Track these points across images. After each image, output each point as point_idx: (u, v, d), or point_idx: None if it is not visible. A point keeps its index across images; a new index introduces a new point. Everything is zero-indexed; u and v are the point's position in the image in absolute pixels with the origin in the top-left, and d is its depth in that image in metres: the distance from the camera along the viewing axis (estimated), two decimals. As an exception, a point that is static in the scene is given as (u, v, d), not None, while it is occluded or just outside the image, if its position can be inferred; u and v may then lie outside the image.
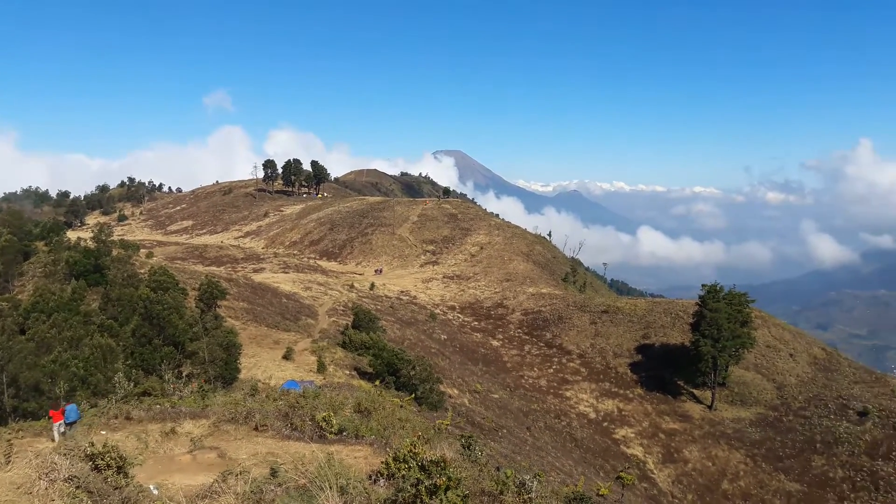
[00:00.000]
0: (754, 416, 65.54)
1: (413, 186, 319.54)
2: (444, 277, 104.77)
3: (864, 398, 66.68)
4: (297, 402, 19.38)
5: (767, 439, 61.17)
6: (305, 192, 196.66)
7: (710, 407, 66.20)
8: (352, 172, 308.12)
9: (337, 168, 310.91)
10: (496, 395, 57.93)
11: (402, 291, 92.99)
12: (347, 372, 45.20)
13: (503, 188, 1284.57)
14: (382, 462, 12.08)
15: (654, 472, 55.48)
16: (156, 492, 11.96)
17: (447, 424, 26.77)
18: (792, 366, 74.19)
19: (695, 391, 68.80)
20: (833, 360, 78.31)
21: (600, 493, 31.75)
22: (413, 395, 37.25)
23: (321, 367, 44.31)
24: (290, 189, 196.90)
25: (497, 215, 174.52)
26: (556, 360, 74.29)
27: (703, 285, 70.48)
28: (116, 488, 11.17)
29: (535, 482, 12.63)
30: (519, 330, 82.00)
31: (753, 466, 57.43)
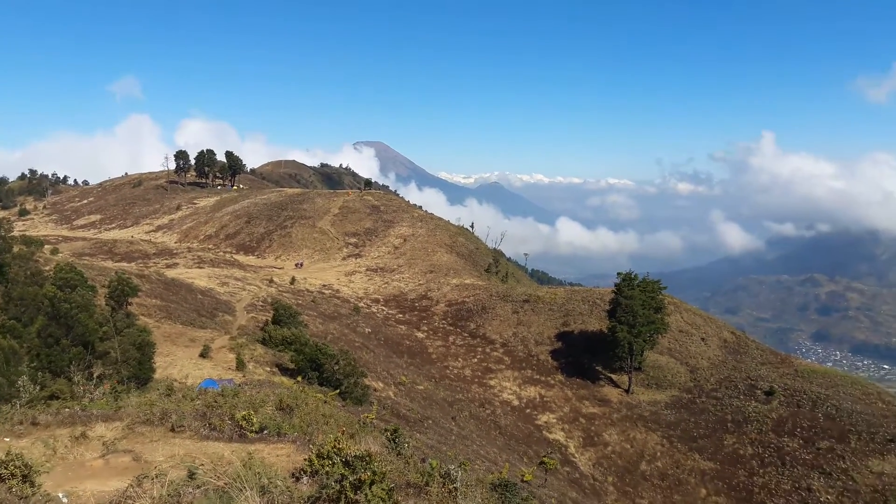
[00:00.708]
0: (669, 398, 68.23)
1: (333, 178, 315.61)
2: (367, 270, 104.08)
3: (770, 378, 70.50)
4: (216, 401, 18.78)
5: (682, 420, 63.80)
6: (220, 184, 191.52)
7: (627, 391, 68.45)
8: (269, 163, 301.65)
9: (253, 159, 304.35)
10: (422, 387, 58.07)
11: (324, 285, 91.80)
12: (268, 369, 44.24)
13: (425, 180, 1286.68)
14: (305, 459, 11.83)
15: (576, 455, 56.97)
16: (65, 500, 11.31)
17: (372, 418, 26.59)
18: (704, 349, 77.60)
19: (613, 376, 70.98)
20: (742, 343, 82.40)
21: (524, 478, 32.34)
22: (337, 390, 36.81)
23: (241, 365, 43.20)
24: (204, 181, 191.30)
25: (420, 207, 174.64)
26: (480, 349, 75.10)
27: (618, 273, 72.73)
28: (22, 498, 10.50)
29: (460, 471, 12.65)
30: (443, 321, 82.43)
31: (670, 447, 59.78)
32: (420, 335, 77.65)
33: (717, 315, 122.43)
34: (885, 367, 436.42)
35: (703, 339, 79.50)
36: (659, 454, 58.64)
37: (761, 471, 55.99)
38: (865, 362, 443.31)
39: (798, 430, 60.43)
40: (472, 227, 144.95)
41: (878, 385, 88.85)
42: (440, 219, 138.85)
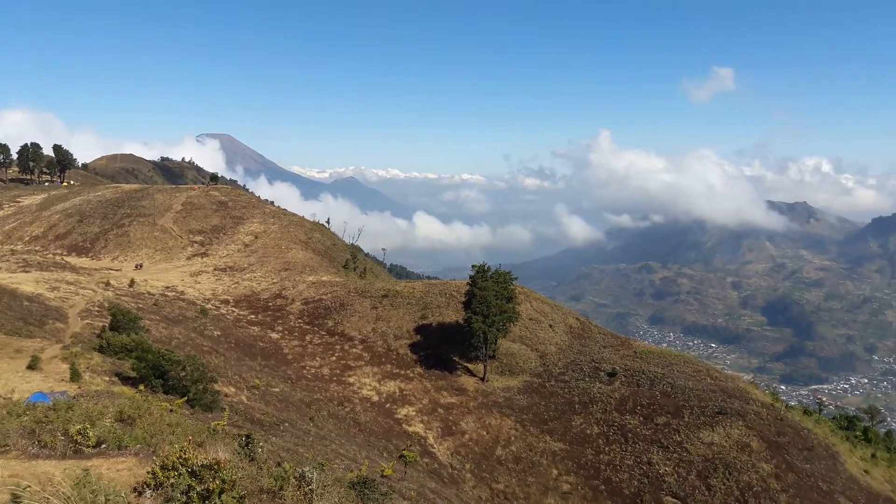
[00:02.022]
0: (522, 383, 71.04)
1: (175, 172, 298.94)
2: (215, 270, 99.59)
3: (612, 360, 75.35)
4: (46, 416, 17.28)
5: (534, 404, 66.65)
6: (48, 181, 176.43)
7: (482, 379, 70.49)
8: (103, 158, 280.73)
9: (84, 153, 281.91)
10: (277, 389, 56.48)
11: (167, 287, 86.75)
12: (107, 378, 41.10)
13: (277, 174, 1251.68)
14: (149, 472, 11.09)
15: (435, 446, 57.87)
16: None
17: (224, 425, 25.49)
18: (552, 335, 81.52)
19: (469, 365, 72.80)
20: (586, 328, 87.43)
21: (384, 473, 32.39)
22: (185, 398, 34.92)
23: (75, 376, 39.79)
24: (29, 177, 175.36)
25: (272, 202, 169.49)
26: (338, 347, 74.24)
27: (472, 266, 74.68)
28: None
29: (316, 472, 12.41)
30: (299, 320, 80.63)
31: (523, 431, 62.23)
32: (275, 336, 75.48)
33: (563, 303, 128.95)
34: (713, 345, 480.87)
35: (551, 326, 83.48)
36: (513, 438, 60.90)
37: (607, 448, 59.71)
38: (696, 342, 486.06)
39: (638, 407, 65.05)
40: (328, 222, 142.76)
41: (707, 363, 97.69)
42: (294, 214, 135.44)
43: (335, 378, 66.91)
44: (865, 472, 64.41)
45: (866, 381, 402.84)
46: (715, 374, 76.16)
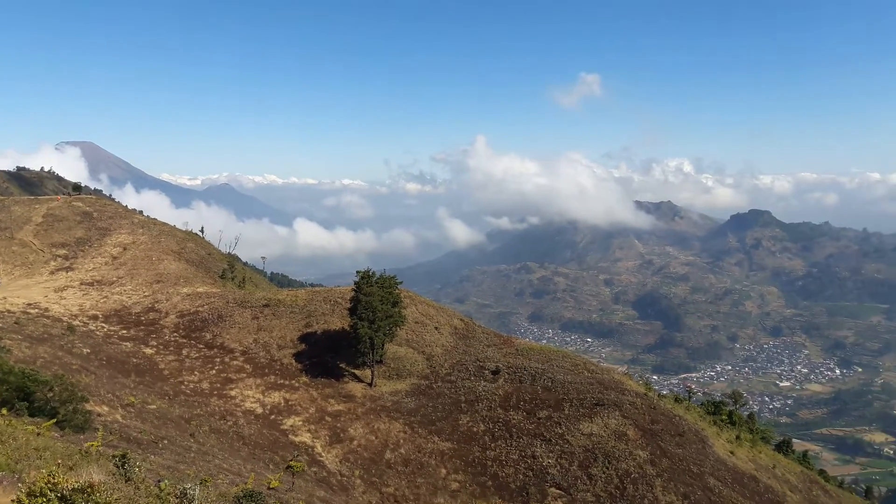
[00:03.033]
0: (409, 386, 71.47)
1: (33, 183, 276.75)
2: (81, 284, 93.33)
3: (496, 358, 77.27)
4: None
5: (422, 406, 67.22)
6: None
7: (370, 384, 70.31)
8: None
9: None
10: (154, 406, 53.77)
11: (29, 304, 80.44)
12: (-40, 406, 37.72)
13: (145, 182, 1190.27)
14: (14, 500, 10.44)
15: (323, 454, 57.13)
16: None
17: (97, 446, 24.12)
18: (437, 337, 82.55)
19: (356, 372, 72.40)
20: (470, 328, 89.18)
21: (271, 486, 31.73)
22: (53, 420, 32.63)
23: (-78, 406, 36.22)
24: None
25: (140, 212, 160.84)
26: (218, 360, 71.61)
27: (357, 272, 74.34)
28: None
29: (198, 489, 12.10)
30: (175, 334, 77.07)
31: (411, 433, 62.62)
32: (149, 351, 71.76)
33: (447, 305, 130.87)
34: (589, 339, 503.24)
35: (436, 328, 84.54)
36: (402, 441, 61.17)
37: (493, 444, 61.20)
38: (573, 337, 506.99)
39: (521, 403, 67.12)
40: (202, 231, 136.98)
41: (584, 356, 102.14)
42: (165, 224, 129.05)
43: (216, 392, 64.54)
44: (731, 452, 69.67)
45: (730, 367, 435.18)
46: (592, 368, 79.76)
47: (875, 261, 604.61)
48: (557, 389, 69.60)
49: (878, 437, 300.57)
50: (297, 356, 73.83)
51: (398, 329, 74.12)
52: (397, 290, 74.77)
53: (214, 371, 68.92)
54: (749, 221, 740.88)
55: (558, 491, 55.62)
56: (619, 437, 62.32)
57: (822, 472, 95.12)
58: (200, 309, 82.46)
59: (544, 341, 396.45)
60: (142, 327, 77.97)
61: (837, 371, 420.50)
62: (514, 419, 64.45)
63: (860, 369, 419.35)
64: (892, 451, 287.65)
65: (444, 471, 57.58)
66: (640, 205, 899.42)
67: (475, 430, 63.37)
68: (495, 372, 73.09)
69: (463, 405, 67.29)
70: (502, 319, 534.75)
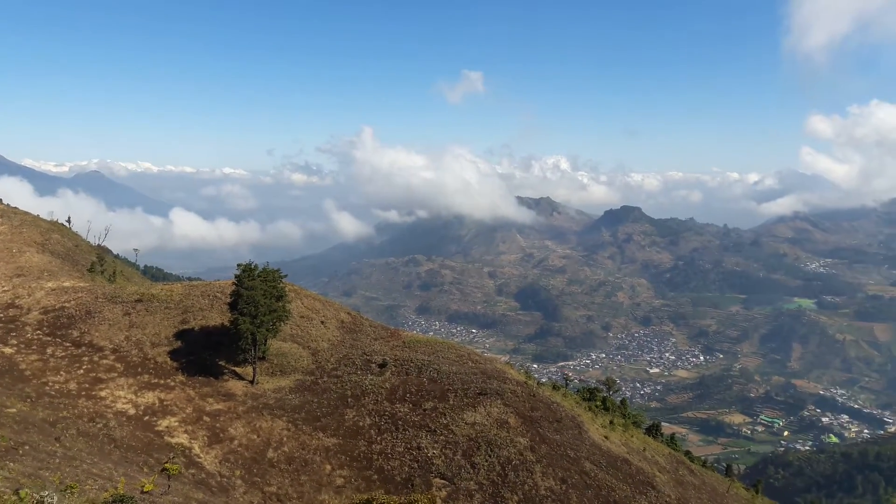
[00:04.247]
0: (294, 383, 70.20)
1: None
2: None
3: (382, 352, 77.36)
4: None
5: (306, 403, 66.24)
6: None
7: (252, 382, 68.47)
8: None
9: None
10: (13, 410, 49.90)
11: None
12: None
13: (4, 168, 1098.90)
14: None
15: (202, 455, 55.13)
16: None
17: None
18: (324, 332, 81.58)
19: (237, 369, 70.31)
20: (357, 322, 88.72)
21: (145, 489, 30.40)
22: None
23: None
24: None
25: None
26: (86, 359, 67.32)
27: (238, 265, 72.04)
28: None
29: (56, 496, 11.47)
30: (38, 332, 71.72)
31: (295, 430, 61.60)
32: (8, 350, 66.44)
33: (335, 298, 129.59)
34: (474, 331, 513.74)
35: (322, 323, 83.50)
36: (285, 439, 60.06)
37: (379, 438, 61.31)
38: (459, 328, 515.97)
39: (408, 395, 67.62)
40: (68, 221, 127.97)
41: (469, 347, 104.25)
42: (27, 213, 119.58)
43: (84, 393, 60.71)
44: (605, 437, 73.42)
45: (604, 355, 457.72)
46: (476, 358, 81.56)
47: (734, 254, 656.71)
48: (443, 380, 70.64)
49: (737, 419, 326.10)
50: (173, 354, 70.69)
51: (282, 324, 72.50)
52: (281, 284, 73.08)
53: (82, 371, 64.78)
54: (621, 217, 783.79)
55: (442, 481, 56.56)
56: (501, 426, 64.17)
57: (687, 453, 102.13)
58: (66, 305, 77.17)
59: (431, 333, 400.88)
60: (0, 325, 72.08)
61: (701, 357, 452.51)
62: (400, 412, 64.84)
63: (721, 355, 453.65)
64: (749, 431, 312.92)
65: (328, 467, 57.11)
66: (521, 200, 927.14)
67: (361, 424, 63.21)
68: (382, 365, 73.18)
69: (349, 400, 66.92)
70: (390, 312, 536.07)
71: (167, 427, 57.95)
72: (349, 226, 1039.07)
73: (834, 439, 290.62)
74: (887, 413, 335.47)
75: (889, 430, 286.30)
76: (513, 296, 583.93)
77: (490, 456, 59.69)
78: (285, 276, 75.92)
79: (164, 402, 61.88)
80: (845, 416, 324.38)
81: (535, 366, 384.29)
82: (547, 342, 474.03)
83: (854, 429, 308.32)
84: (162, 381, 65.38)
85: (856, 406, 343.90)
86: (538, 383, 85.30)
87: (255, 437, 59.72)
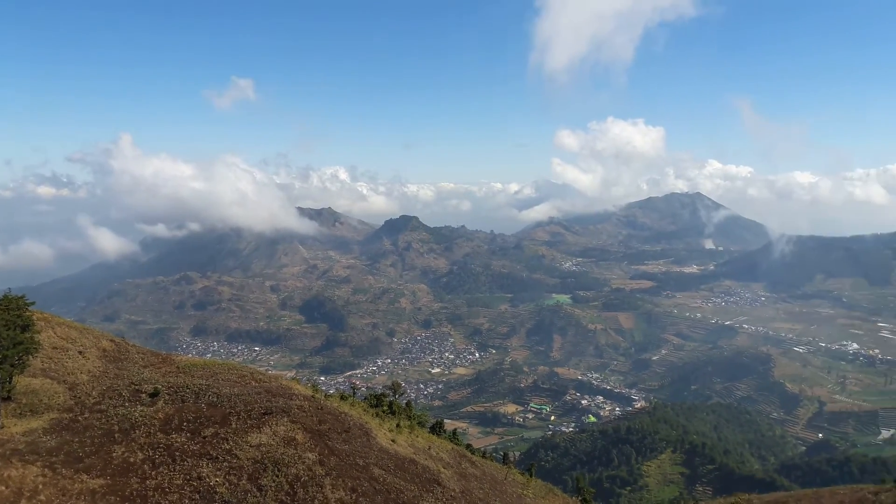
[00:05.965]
0: (48, 423, 62.39)
1: None
2: None
3: (154, 380, 71.56)
4: None
5: (65, 443, 59.18)
6: None
7: (-4, 427, 59.84)
8: None
9: None
10: None
11: None
12: None
13: None
14: None
15: (-68, 521, 46.99)
16: None
17: None
18: (82, 363, 73.56)
19: (-25, 414, 61.00)
20: (122, 349, 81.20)
21: None
22: None
23: None
24: None
25: None
26: None
27: (-28, 293, 62.66)
28: None
29: None
30: None
31: (53, 475, 54.77)
32: None
33: (95, 325, 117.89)
34: (257, 348, 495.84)
35: (80, 353, 75.29)
36: (41, 486, 53.09)
37: (153, 472, 56.52)
38: (240, 347, 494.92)
39: (185, 423, 63.22)
40: None
41: (252, 366, 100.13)
42: None
43: None
44: (393, 441, 74.58)
45: (390, 361, 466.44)
46: (259, 377, 78.72)
47: (500, 258, 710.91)
48: (224, 404, 67.11)
49: (511, 409, 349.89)
50: None
51: (30, 358, 64.13)
52: (28, 312, 64.63)
53: None
54: (400, 226, 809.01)
55: (228, 509, 53.69)
56: (289, 443, 62.48)
57: (468, 446, 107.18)
58: None
59: (209, 355, 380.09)
60: None
61: (477, 354, 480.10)
62: (176, 442, 60.36)
63: (494, 351, 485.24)
64: (521, 420, 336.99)
65: (95, 511, 51.56)
66: (302, 211, 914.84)
67: (132, 460, 57.84)
68: (153, 394, 67.65)
69: (117, 435, 60.91)
70: (161, 336, 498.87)
71: None
72: (109, 243, 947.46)
73: (593, 419, 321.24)
74: (633, 391, 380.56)
75: (636, 407, 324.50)
76: (297, 309, 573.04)
77: (277, 476, 57.78)
78: (32, 303, 67.29)
79: None
80: (600, 398, 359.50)
81: (322, 378, 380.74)
82: (334, 353, 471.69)
83: (608, 408, 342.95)
84: None
85: (608, 387, 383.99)
86: (326, 395, 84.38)
87: (4, 488, 52.15)
